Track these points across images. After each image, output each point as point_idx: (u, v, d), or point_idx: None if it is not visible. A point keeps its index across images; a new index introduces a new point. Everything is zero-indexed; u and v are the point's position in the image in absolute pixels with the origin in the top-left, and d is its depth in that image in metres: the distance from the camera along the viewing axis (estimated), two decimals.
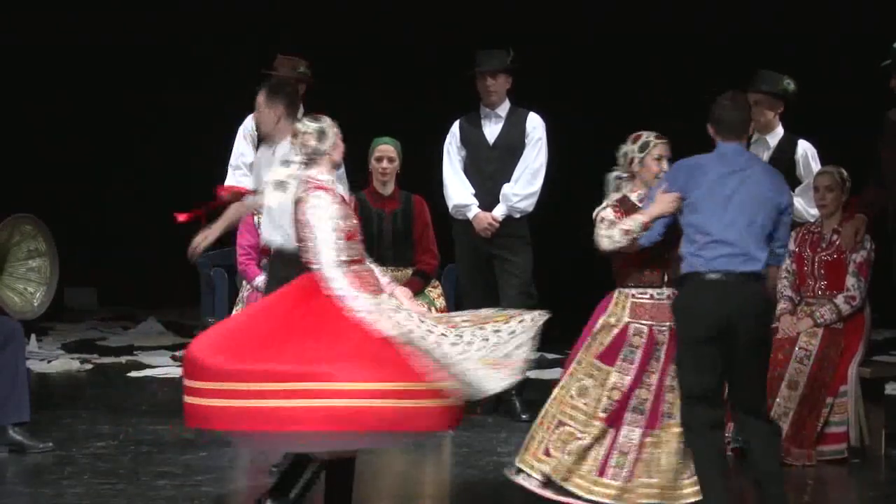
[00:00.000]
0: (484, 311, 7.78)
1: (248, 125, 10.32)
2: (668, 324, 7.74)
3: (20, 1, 14.00)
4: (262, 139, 9.29)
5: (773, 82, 9.66)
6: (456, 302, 10.53)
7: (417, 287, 10.19)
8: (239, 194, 9.67)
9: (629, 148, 7.88)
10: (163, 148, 13.21)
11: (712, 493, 7.33)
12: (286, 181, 7.83)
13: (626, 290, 7.96)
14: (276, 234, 8.64)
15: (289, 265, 8.33)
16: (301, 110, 9.38)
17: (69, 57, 14.05)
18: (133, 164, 12.89)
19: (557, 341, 12.12)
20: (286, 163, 8.46)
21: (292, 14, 12.37)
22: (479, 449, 9.61)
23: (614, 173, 7.96)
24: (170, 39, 13.67)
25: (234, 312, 10.37)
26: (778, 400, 8.82)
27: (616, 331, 7.92)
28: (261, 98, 8.94)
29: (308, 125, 7.83)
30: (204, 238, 8.82)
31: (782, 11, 13.69)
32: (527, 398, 10.29)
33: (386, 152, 10.12)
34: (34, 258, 9.96)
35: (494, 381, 7.59)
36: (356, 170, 9.99)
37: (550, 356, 11.95)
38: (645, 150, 7.82)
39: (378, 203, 10.22)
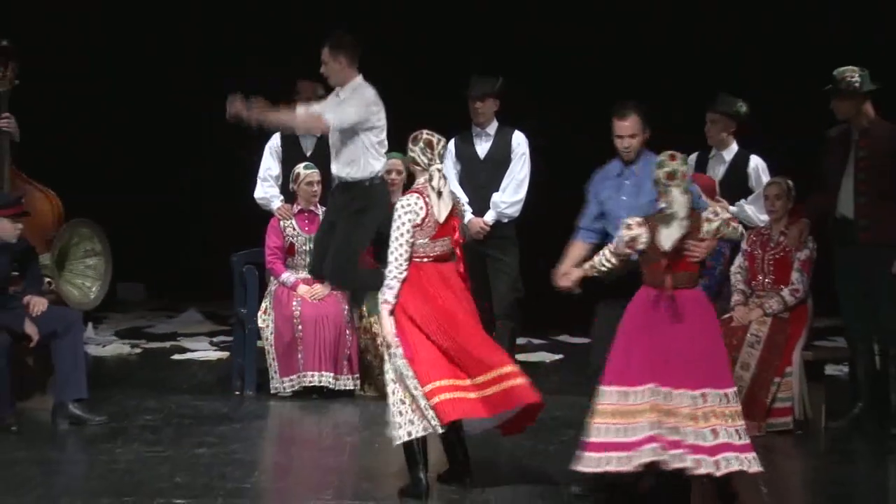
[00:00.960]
0: None
1: (273, 143, 10.37)
2: None
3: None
4: (330, 87, 9.28)
5: (729, 104, 9.70)
6: None
7: None
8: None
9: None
10: (209, 163, 13.11)
11: None
12: None
13: None
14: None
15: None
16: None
17: (129, 74, 13.89)
18: (186, 177, 12.74)
19: (542, 328, 12.25)
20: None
21: (313, 45, 12.33)
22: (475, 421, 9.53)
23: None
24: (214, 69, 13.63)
25: (262, 305, 10.37)
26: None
27: None
28: (325, 53, 9.03)
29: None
30: (237, 109, 8.83)
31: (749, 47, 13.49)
32: None
33: (395, 166, 10.06)
34: (90, 257, 10.04)
35: None
36: None
37: (536, 342, 12.04)
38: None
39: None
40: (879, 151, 9.09)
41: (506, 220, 10.13)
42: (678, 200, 7.38)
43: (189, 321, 13.23)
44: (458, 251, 7.94)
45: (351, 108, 8.95)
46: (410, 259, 7.77)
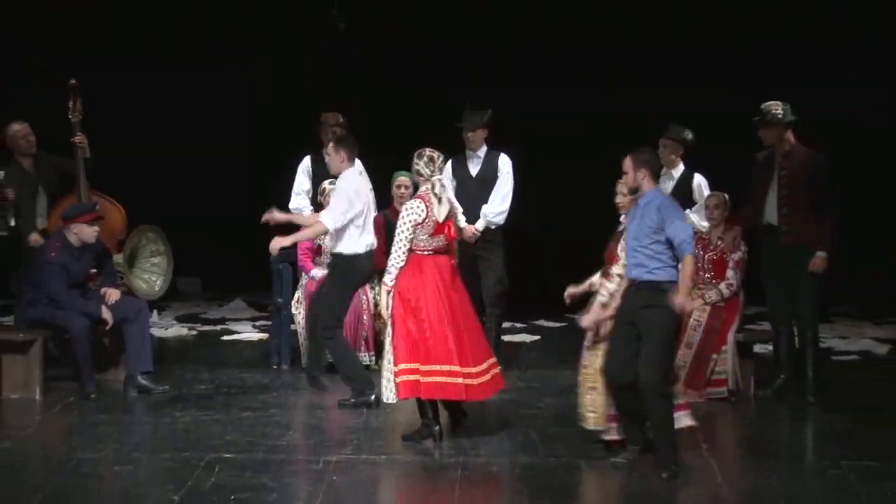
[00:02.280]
0: None
1: (305, 164, 10.30)
2: None
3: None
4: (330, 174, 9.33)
5: (678, 132, 9.66)
6: None
7: None
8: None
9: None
10: (255, 180, 12.81)
11: None
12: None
13: None
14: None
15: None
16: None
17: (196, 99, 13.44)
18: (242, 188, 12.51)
19: (523, 315, 12.22)
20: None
21: (341, 85, 12.07)
22: None
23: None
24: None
25: (295, 295, 10.33)
26: (679, 356, 8.66)
27: None
28: (330, 146, 9.07)
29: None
30: (279, 245, 8.92)
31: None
32: (504, 355, 9.98)
33: (402, 182, 10.08)
34: (155, 256, 10.04)
35: None
36: (382, 194, 10.04)
37: (518, 325, 12.04)
38: None
39: (398, 218, 10.15)
40: (798, 171, 9.08)
41: (493, 227, 10.08)
42: None
43: (236, 309, 13.16)
44: (452, 247, 8.08)
45: (337, 206, 8.89)
46: (410, 251, 7.92)
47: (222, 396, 9.29)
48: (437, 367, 7.90)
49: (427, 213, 7.98)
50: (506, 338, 10.83)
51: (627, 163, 7.44)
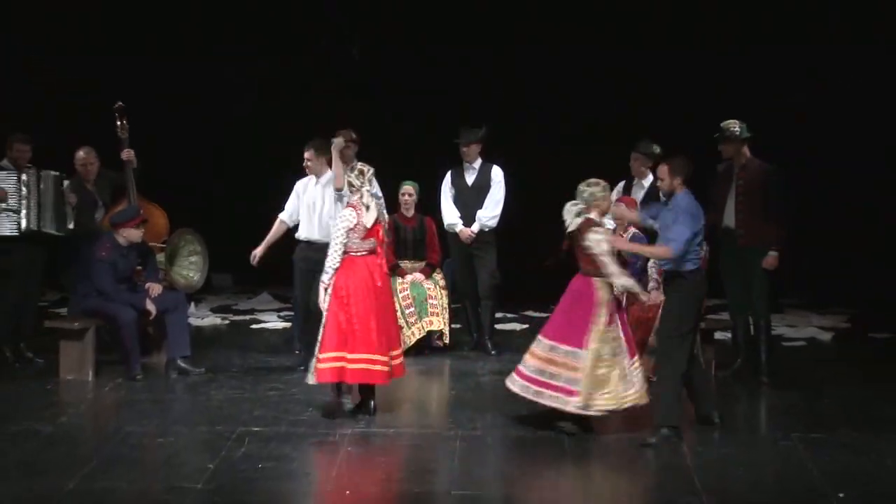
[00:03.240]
0: None
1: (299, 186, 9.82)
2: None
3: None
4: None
5: (647, 146, 9.59)
6: (453, 283, 10.36)
7: (428, 272, 10.15)
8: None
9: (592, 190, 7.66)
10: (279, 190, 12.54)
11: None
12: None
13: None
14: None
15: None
16: (354, 162, 9.48)
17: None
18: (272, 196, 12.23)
19: (513, 306, 12.20)
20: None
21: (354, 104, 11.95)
22: (465, 371, 9.57)
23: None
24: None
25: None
26: (650, 340, 8.64)
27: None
28: (310, 153, 9.18)
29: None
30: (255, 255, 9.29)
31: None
32: (495, 341, 10.25)
33: (407, 190, 10.08)
34: (193, 255, 10.02)
35: None
36: (391, 200, 9.97)
37: (510, 315, 12.04)
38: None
39: (404, 221, 10.16)
40: (753, 181, 9.06)
41: (487, 230, 10.06)
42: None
43: (263, 301, 13.10)
44: (380, 249, 8.02)
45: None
46: (345, 253, 7.91)
47: (251, 377, 9.28)
48: (364, 356, 7.90)
49: (357, 219, 7.96)
50: (498, 326, 10.85)
51: (663, 170, 7.61)
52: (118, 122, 9.87)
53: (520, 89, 12.56)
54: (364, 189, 8.02)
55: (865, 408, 8.39)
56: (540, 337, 7.78)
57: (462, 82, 12.46)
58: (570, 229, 7.72)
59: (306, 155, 9.27)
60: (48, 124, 11.68)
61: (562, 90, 12.61)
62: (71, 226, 9.76)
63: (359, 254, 7.99)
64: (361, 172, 8.05)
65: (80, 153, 9.90)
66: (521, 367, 7.80)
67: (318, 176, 9.30)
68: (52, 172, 9.69)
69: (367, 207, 7.98)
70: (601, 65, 12.45)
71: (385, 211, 8.43)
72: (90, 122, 10.35)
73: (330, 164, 9.14)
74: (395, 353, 8.07)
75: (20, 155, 9.52)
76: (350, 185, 8.06)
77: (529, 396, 7.72)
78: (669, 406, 7.50)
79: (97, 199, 9.95)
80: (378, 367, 7.92)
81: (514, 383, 7.79)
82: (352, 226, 7.95)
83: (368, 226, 7.96)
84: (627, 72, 12.39)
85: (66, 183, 9.78)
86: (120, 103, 9.88)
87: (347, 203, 8.08)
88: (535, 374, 7.69)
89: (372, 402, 8.11)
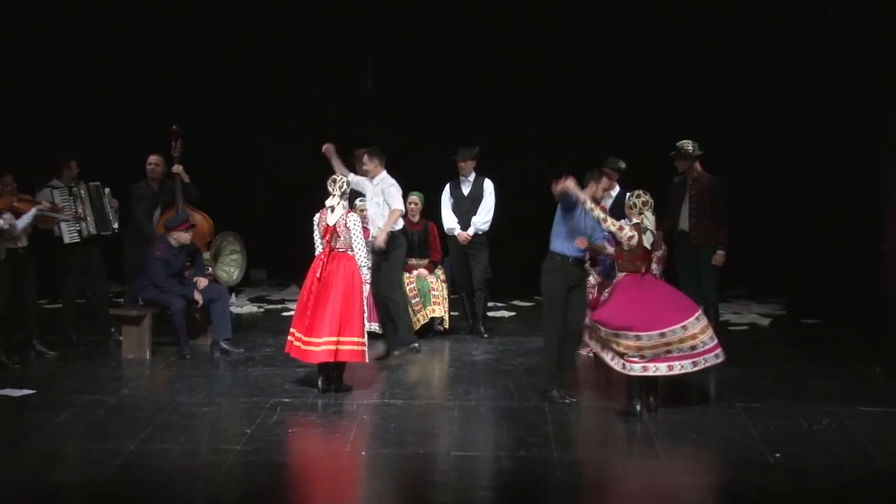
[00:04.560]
0: None
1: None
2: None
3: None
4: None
5: (614, 162, 9.48)
6: (451, 277, 10.29)
7: (431, 268, 10.13)
8: None
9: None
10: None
11: None
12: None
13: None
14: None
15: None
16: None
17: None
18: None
19: (502, 296, 12.18)
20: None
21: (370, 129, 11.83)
22: (462, 351, 9.52)
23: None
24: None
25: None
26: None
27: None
28: (365, 156, 9.28)
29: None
30: (382, 242, 9.07)
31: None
32: (487, 326, 10.20)
33: (414, 200, 10.05)
34: (233, 254, 10.00)
35: None
36: None
37: (499, 304, 11.98)
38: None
39: (410, 226, 10.06)
40: (703, 192, 9.04)
41: (480, 233, 10.03)
42: (649, 218, 7.52)
43: (291, 292, 12.87)
44: (328, 246, 7.96)
45: (398, 193, 9.26)
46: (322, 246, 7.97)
47: (282, 357, 9.06)
48: (294, 332, 7.99)
49: (320, 218, 8.00)
50: (490, 314, 10.85)
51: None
52: (173, 143, 9.81)
53: (507, 117, 12.56)
54: (334, 196, 8.00)
55: (796, 382, 8.39)
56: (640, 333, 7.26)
57: (459, 108, 12.44)
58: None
59: (365, 158, 9.34)
60: (107, 138, 11.68)
61: (542, 115, 12.58)
62: (115, 226, 9.72)
63: (317, 250, 7.99)
64: (333, 181, 8.08)
65: (152, 157, 9.92)
66: (636, 359, 7.27)
67: (372, 177, 9.31)
68: (94, 183, 9.68)
69: (332, 209, 7.98)
70: (577, 95, 12.47)
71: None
72: (153, 138, 10.28)
73: (383, 167, 9.27)
74: (320, 339, 7.87)
75: (71, 173, 9.54)
76: (327, 191, 8.09)
77: (687, 370, 7.33)
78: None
79: (158, 199, 9.92)
80: (295, 342, 7.95)
81: (656, 370, 7.31)
82: (316, 225, 8.03)
83: (330, 224, 7.94)
84: (597, 101, 12.41)
85: (107, 190, 9.76)
86: (175, 126, 9.83)
87: (322, 208, 8.10)
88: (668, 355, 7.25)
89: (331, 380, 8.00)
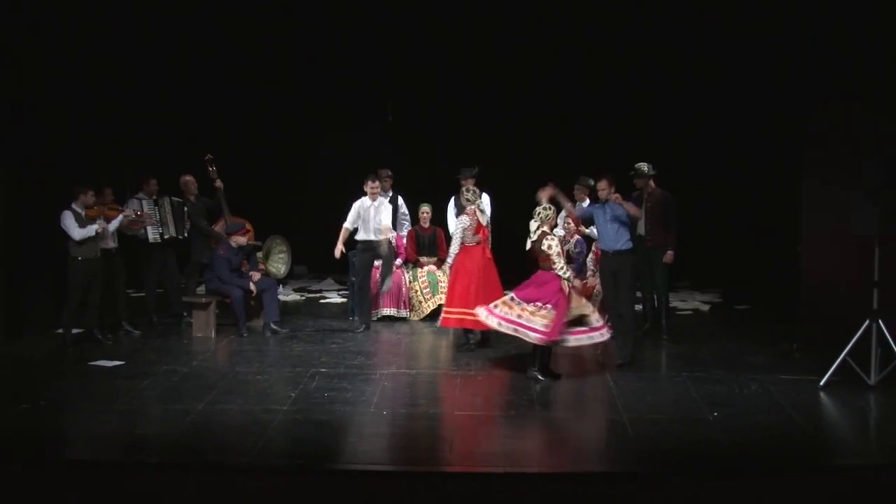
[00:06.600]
0: None
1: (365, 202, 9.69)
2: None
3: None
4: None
5: (585, 180, 9.39)
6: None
7: (438, 264, 10.03)
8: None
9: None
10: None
11: None
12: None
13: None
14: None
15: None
16: (389, 191, 9.43)
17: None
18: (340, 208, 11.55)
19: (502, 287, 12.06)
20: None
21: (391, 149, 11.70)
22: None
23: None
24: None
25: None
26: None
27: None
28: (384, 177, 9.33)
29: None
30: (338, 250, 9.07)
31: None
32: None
33: (425, 209, 9.98)
34: (281, 253, 9.98)
35: None
36: (413, 216, 9.96)
37: None
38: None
39: (422, 231, 10.06)
40: (656, 204, 8.97)
41: None
42: (532, 227, 7.62)
43: (328, 284, 12.90)
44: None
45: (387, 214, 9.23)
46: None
47: (319, 335, 9.21)
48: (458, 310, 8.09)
49: (472, 222, 8.14)
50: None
51: (604, 183, 7.83)
52: (209, 168, 9.67)
53: (500, 139, 12.54)
54: (475, 202, 8.31)
55: (730, 356, 8.33)
56: (515, 296, 7.45)
57: (462, 137, 12.41)
58: (532, 238, 7.65)
59: (375, 183, 9.23)
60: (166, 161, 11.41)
61: (527, 138, 12.48)
62: (167, 235, 9.66)
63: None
64: (473, 191, 8.33)
65: (185, 177, 9.86)
66: (493, 309, 7.42)
67: (378, 198, 9.26)
68: (177, 199, 9.70)
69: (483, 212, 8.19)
70: (555, 118, 12.41)
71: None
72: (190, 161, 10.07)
73: (386, 191, 9.28)
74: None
75: (151, 188, 9.55)
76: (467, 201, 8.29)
77: (503, 331, 7.45)
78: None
79: (189, 212, 9.76)
80: (469, 318, 7.98)
81: (489, 319, 7.42)
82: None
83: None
84: (571, 123, 12.35)
85: (185, 207, 9.76)
86: (210, 156, 9.68)
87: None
88: (511, 316, 7.36)
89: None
